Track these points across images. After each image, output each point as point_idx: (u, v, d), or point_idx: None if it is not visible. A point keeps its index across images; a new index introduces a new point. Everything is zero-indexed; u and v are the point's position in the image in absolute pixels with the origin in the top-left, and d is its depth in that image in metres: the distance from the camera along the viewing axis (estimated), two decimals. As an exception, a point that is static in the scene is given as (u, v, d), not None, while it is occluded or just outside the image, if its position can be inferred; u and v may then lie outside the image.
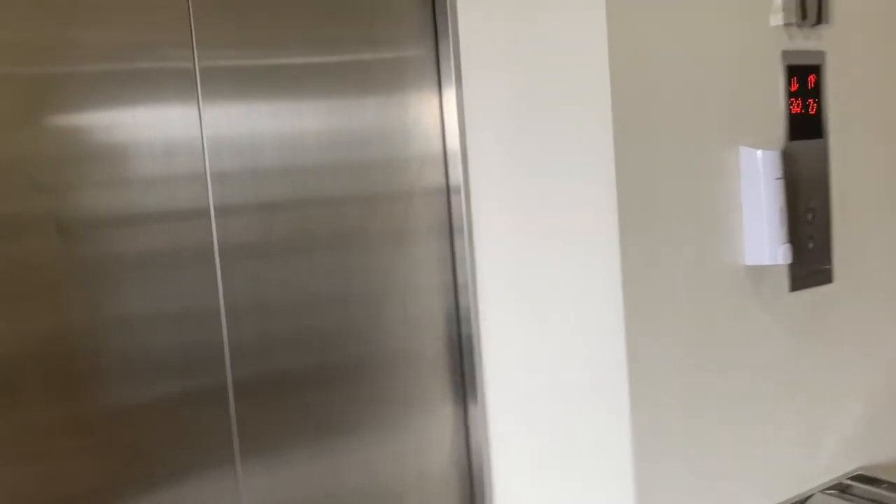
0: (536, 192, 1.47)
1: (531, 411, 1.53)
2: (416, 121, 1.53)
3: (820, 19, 1.58)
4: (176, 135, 1.32)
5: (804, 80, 1.59)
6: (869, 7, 1.68)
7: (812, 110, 1.61)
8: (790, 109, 1.57)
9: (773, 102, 1.55)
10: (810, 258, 1.62)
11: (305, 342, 1.44)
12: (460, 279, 1.57)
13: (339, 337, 1.47)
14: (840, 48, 1.64)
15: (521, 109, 1.47)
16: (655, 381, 1.39)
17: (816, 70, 1.61)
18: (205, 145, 1.34)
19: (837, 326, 1.66)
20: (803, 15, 1.56)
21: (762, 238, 1.49)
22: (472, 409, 1.59)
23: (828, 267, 1.65)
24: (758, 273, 1.53)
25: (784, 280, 1.58)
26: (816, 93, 1.62)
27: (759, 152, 1.48)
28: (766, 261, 1.49)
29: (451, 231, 1.57)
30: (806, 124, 1.60)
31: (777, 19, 1.54)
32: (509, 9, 1.47)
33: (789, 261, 1.49)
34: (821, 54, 1.62)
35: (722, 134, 1.48)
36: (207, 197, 1.34)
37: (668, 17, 1.40)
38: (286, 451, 1.43)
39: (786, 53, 1.56)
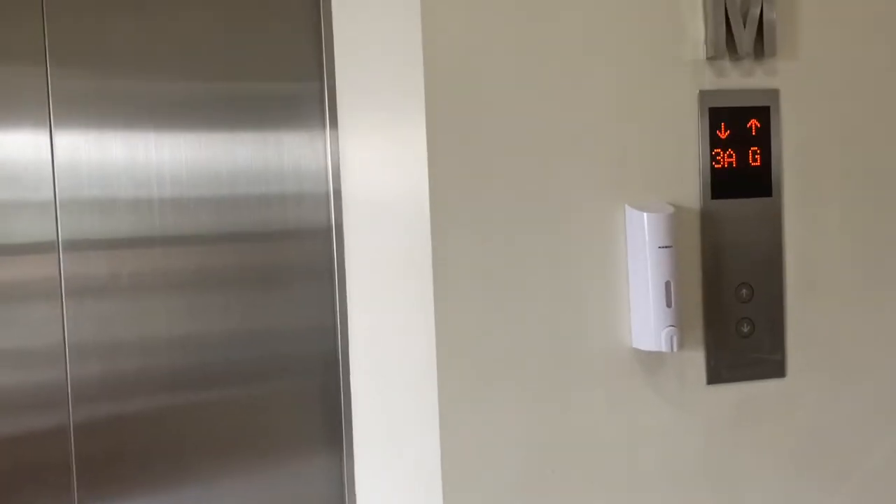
0: (382, 240, 1.33)
1: (392, 472, 1.38)
2: (292, 159, 1.46)
3: (763, 52, 1.28)
4: (23, 160, 1.35)
5: (741, 125, 1.29)
6: (842, 33, 1.33)
7: (755, 162, 1.30)
8: (712, 162, 1.28)
9: (689, 152, 1.28)
10: (746, 345, 1.30)
11: (158, 384, 1.42)
12: (331, 323, 1.47)
13: (195, 380, 1.43)
14: (801, 85, 1.31)
15: (380, 150, 1.35)
16: (474, 485, 1.19)
17: (763, 113, 1.30)
18: (55, 173, 1.36)
19: (785, 435, 1.31)
20: (732, 49, 1.27)
21: (648, 318, 1.23)
22: (338, 462, 1.48)
23: (778, 357, 1.32)
24: (654, 359, 1.26)
25: (699, 369, 1.29)
26: (764, 140, 1.30)
27: (645, 214, 1.22)
28: (651, 346, 1.22)
29: (332, 273, 1.48)
30: (744, 179, 1.30)
31: (693, 52, 1.27)
32: (370, 51, 1.36)
33: (674, 349, 1.21)
34: (772, 93, 1.31)
35: (603, 188, 1.24)
36: (55, 229, 1.36)
37: (524, 39, 1.21)
38: (130, 498, 1.41)
39: (706, 94, 1.27)
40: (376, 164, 1.36)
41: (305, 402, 1.48)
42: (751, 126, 1.30)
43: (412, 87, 1.18)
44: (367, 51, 1.37)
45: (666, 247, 1.21)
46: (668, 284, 1.21)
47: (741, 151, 1.30)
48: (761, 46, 1.28)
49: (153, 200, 1.40)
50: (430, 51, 1.16)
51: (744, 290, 1.30)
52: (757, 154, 1.30)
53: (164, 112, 1.40)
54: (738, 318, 1.30)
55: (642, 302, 1.23)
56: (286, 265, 1.47)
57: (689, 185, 1.28)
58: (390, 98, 1.28)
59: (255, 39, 1.44)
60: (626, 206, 1.24)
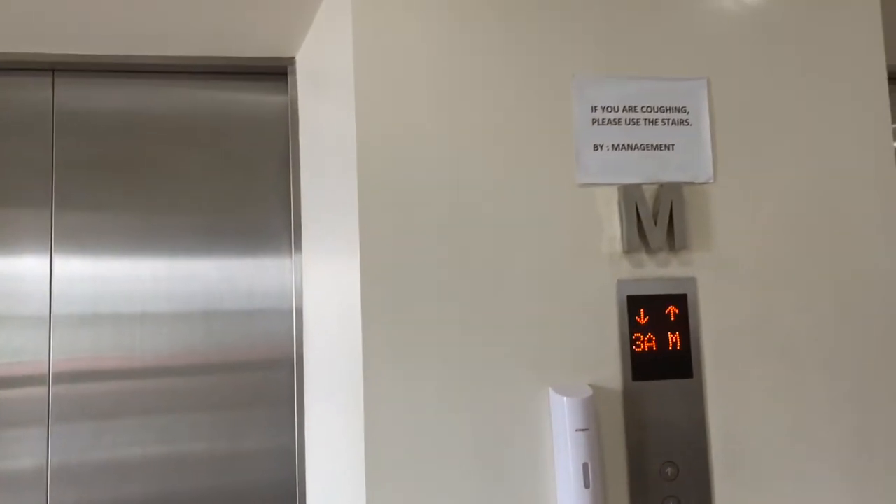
0: (329, 375, 1.45)
1: None
2: (261, 288, 1.60)
3: (675, 245, 1.40)
4: (26, 279, 1.53)
5: (659, 311, 1.40)
6: (753, 225, 1.44)
7: (675, 345, 1.40)
8: (632, 346, 1.38)
9: (610, 337, 1.38)
10: (674, 522, 1.36)
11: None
12: (293, 448, 1.57)
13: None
14: (717, 273, 1.42)
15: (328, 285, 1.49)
16: None
17: (681, 300, 1.41)
18: (52, 292, 1.52)
19: None
20: (647, 243, 1.39)
21: (570, 498, 1.29)
22: None
23: (707, 534, 1.36)
24: (582, 537, 1.32)
25: (627, 547, 1.34)
26: (682, 325, 1.40)
27: (564, 398, 1.31)
28: (573, 525, 1.29)
29: (294, 399, 1.58)
30: (665, 362, 1.39)
31: (610, 245, 1.39)
32: (326, 208, 1.52)
33: (592, 529, 1.27)
34: (688, 282, 1.41)
35: (529, 371, 1.34)
36: (47, 351, 1.51)
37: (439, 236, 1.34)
38: None
39: (623, 283, 1.39)
40: (327, 305, 1.50)
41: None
42: (669, 312, 1.40)
43: (351, 266, 1.33)
44: (324, 207, 1.54)
45: (583, 430, 1.30)
46: (585, 466, 1.29)
47: (661, 335, 1.39)
48: (673, 241, 1.40)
49: (136, 316, 1.55)
50: (365, 234, 1.31)
51: (669, 469, 1.36)
52: (676, 338, 1.40)
53: (153, 244, 1.60)
54: (663, 496, 1.36)
55: (565, 481, 1.30)
56: (259, 391, 1.59)
57: (611, 368, 1.37)
58: (337, 258, 1.44)
59: (239, 193, 1.64)
60: (550, 390, 1.34)
